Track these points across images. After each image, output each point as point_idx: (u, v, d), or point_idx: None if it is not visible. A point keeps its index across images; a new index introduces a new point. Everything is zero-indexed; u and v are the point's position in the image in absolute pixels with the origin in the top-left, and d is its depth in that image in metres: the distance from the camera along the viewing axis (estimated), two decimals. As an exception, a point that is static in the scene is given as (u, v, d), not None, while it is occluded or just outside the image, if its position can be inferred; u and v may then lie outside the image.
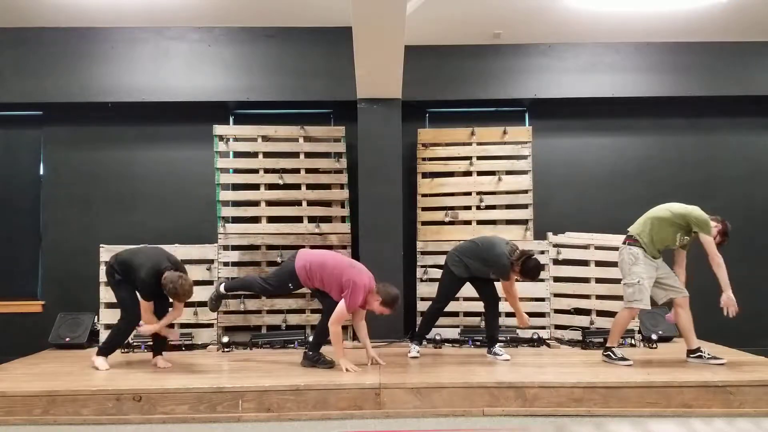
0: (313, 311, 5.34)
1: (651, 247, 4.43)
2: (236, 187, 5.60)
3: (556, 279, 5.45)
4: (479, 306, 4.92)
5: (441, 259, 5.45)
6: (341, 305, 4.17)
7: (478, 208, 5.60)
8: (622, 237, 5.40)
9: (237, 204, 5.59)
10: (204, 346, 5.21)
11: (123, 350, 4.90)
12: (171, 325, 4.60)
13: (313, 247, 5.23)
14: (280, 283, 4.49)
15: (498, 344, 4.65)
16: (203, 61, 5.68)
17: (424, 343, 5.27)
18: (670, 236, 4.42)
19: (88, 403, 3.71)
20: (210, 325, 5.32)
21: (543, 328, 5.33)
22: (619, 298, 5.34)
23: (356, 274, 4.23)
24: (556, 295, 5.43)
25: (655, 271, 4.43)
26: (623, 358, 4.33)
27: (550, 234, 5.51)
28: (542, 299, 5.41)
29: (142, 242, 4.85)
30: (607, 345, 4.48)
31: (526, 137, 5.67)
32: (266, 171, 5.60)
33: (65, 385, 3.88)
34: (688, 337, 4.47)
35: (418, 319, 5.39)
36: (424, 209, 5.63)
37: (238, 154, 5.70)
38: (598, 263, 5.40)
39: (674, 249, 4.52)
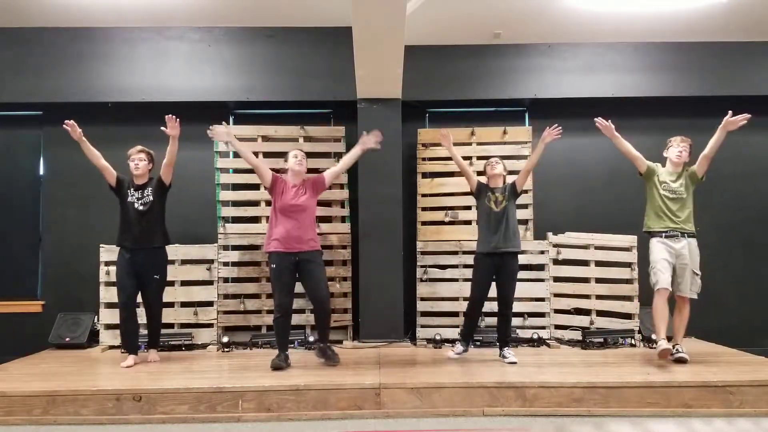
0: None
1: (655, 219, 4.51)
2: (236, 187, 5.60)
3: (556, 279, 5.45)
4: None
5: (441, 259, 5.47)
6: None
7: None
8: (622, 237, 5.44)
9: (237, 204, 5.59)
10: (204, 346, 5.22)
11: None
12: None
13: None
14: (274, 283, 4.42)
15: (508, 347, 4.56)
16: (203, 61, 5.68)
17: (424, 342, 5.29)
18: (656, 195, 4.56)
19: (88, 403, 3.71)
20: (210, 325, 5.32)
21: (543, 328, 5.33)
22: (619, 297, 5.38)
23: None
24: (556, 295, 5.43)
25: (674, 255, 4.44)
26: (673, 354, 4.33)
27: (550, 234, 5.51)
28: (542, 299, 5.41)
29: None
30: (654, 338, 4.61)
31: (526, 137, 5.67)
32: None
33: (65, 385, 3.88)
34: (675, 332, 4.54)
35: (418, 320, 5.40)
36: (424, 209, 5.63)
37: (238, 154, 5.68)
38: (598, 263, 5.40)
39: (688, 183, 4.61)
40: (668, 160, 4.67)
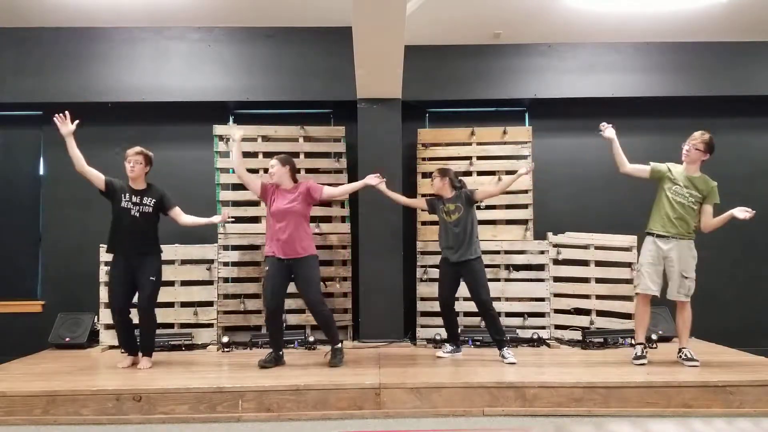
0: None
1: (657, 221, 4.40)
2: (236, 187, 5.60)
3: (556, 279, 5.45)
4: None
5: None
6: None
7: (478, 207, 5.56)
8: (622, 237, 5.43)
9: (237, 204, 5.59)
10: (204, 346, 5.21)
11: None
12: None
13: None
14: (267, 279, 4.44)
15: (506, 348, 4.53)
16: (203, 61, 5.68)
17: (424, 342, 5.29)
18: (661, 198, 4.43)
19: (88, 403, 3.71)
20: (210, 325, 5.32)
21: (543, 328, 5.33)
22: (619, 297, 5.38)
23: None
24: (556, 295, 5.43)
25: (661, 258, 4.36)
26: (638, 357, 4.34)
27: (550, 234, 5.51)
28: (542, 299, 5.41)
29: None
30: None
31: (526, 137, 5.67)
32: (266, 171, 5.59)
33: (65, 385, 3.88)
34: (679, 335, 4.52)
35: (418, 320, 5.40)
36: (424, 209, 5.62)
37: (238, 154, 5.70)
38: (598, 263, 5.41)
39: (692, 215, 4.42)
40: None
